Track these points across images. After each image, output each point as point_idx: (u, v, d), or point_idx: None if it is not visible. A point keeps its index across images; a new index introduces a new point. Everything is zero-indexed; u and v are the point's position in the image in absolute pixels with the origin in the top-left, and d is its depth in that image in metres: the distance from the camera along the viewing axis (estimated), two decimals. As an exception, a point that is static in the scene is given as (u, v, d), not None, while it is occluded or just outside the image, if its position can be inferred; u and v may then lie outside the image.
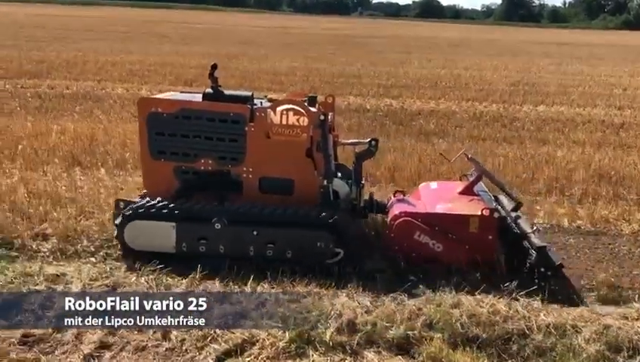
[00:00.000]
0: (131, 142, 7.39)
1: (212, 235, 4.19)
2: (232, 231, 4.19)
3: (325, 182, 4.42)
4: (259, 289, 3.91)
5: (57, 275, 4.04)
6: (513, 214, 4.59)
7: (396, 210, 4.53)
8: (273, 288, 3.93)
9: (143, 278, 4.00)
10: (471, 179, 4.87)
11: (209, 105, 4.44)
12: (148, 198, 4.39)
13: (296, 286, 3.94)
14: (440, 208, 4.50)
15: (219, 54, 21.10)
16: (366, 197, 4.93)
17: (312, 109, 4.42)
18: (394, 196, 4.92)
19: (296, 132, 4.33)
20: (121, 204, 4.46)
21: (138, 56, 18.53)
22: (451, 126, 10.46)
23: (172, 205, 4.26)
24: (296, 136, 4.35)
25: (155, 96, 4.83)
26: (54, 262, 4.32)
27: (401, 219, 4.37)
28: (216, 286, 3.95)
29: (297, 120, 4.32)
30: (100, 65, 16.31)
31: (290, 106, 4.35)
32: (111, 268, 4.14)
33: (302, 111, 4.33)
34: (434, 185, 5.14)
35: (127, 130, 8.27)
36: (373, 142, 4.69)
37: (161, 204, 4.28)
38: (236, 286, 3.94)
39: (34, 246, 4.57)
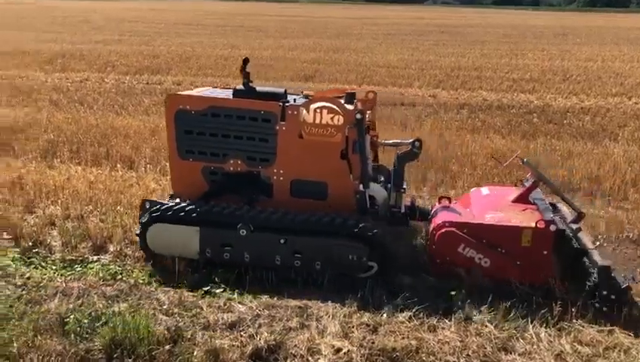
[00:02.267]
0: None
1: (237, 242, 3.86)
2: (257, 239, 3.83)
3: (361, 187, 4.03)
4: (531, 330, 3.37)
5: (300, 307, 3.61)
6: (574, 226, 3.98)
7: (439, 218, 4.04)
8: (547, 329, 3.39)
9: (400, 316, 3.50)
10: (526, 185, 4.27)
11: (239, 103, 4.13)
12: (169, 200, 4.14)
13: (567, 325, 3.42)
14: (489, 218, 3.95)
15: (322, 47, 20.74)
16: (408, 202, 4.51)
17: (349, 107, 4.05)
18: (439, 202, 4.40)
19: (331, 132, 3.96)
20: (147, 204, 4.17)
21: (245, 51, 18.35)
22: (613, 125, 9.47)
23: (196, 208, 3.94)
24: (331, 136, 3.97)
25: (183, 93, 4.49)
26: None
27: (443, 230, 3.90)
28: (493, 330, 3.37)
29: (331, 118, 3.95)
30: (214, 60, 16.27)
31: (324, 104, 3.96)
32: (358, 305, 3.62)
33: (336, 109, 3.95)
34: (485, 190, 4.57)
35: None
36: (416, 143, 4.29)
37: (182, 206, 3.97)
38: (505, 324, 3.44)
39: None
